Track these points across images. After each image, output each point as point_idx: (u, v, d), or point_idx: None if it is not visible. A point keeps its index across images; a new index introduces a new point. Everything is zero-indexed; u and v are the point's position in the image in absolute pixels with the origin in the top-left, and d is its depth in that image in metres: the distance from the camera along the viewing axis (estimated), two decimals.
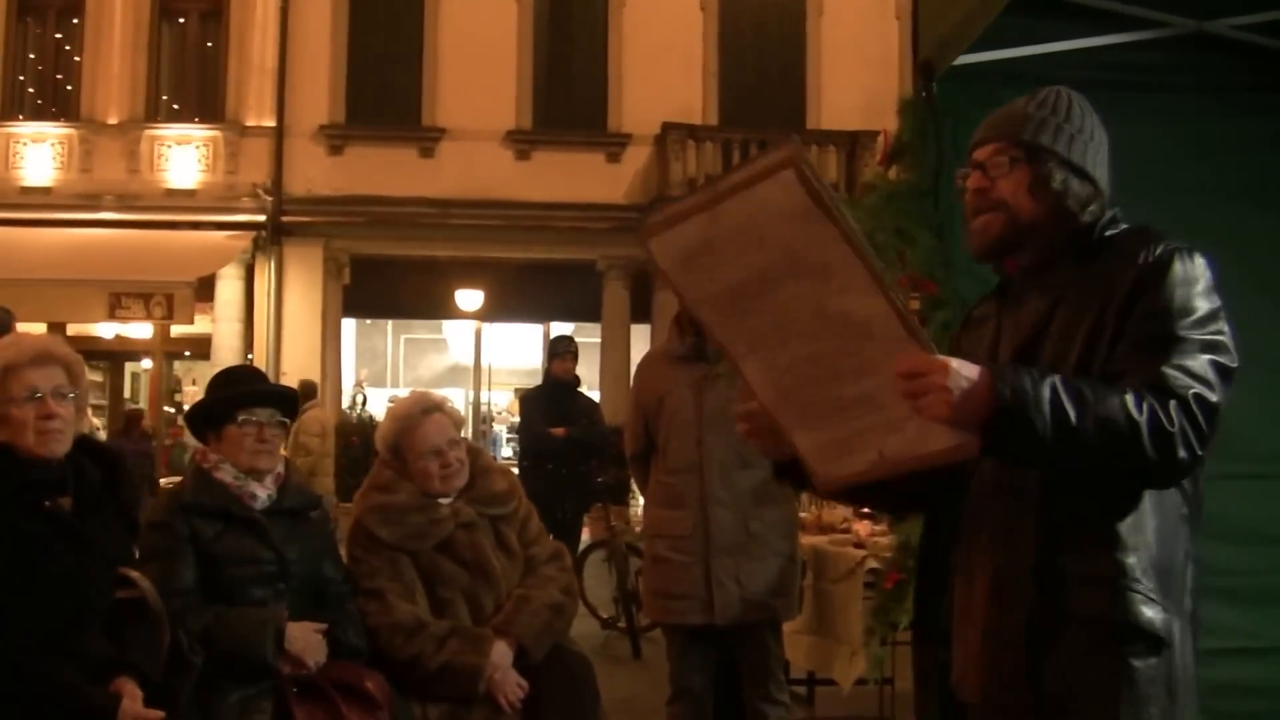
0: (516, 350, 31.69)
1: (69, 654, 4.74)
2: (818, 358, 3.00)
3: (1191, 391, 3.11)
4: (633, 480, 8.14)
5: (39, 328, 20.43)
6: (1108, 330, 3.31)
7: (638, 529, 21.78)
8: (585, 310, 28.97)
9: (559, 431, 14.06)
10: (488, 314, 28.80)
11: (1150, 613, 3.24)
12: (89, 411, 21.54)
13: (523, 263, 28.25)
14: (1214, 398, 3.15)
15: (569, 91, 29.15)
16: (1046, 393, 3.00)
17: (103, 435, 24.80)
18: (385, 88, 28.51)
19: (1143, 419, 3.04)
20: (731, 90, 29.07)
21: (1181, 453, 3.08)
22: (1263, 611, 6.53)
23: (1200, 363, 3.18)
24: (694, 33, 29.05)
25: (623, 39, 28.96)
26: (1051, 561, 3.30)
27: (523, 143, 28.57)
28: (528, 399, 15.12)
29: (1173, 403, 3.08)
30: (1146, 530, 3.27)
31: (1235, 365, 3.26)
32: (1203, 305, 3.27)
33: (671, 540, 7.29)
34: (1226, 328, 3.28)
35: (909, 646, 7.42)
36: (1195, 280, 3.30)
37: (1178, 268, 3.30)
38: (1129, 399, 3.05)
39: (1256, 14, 6.34)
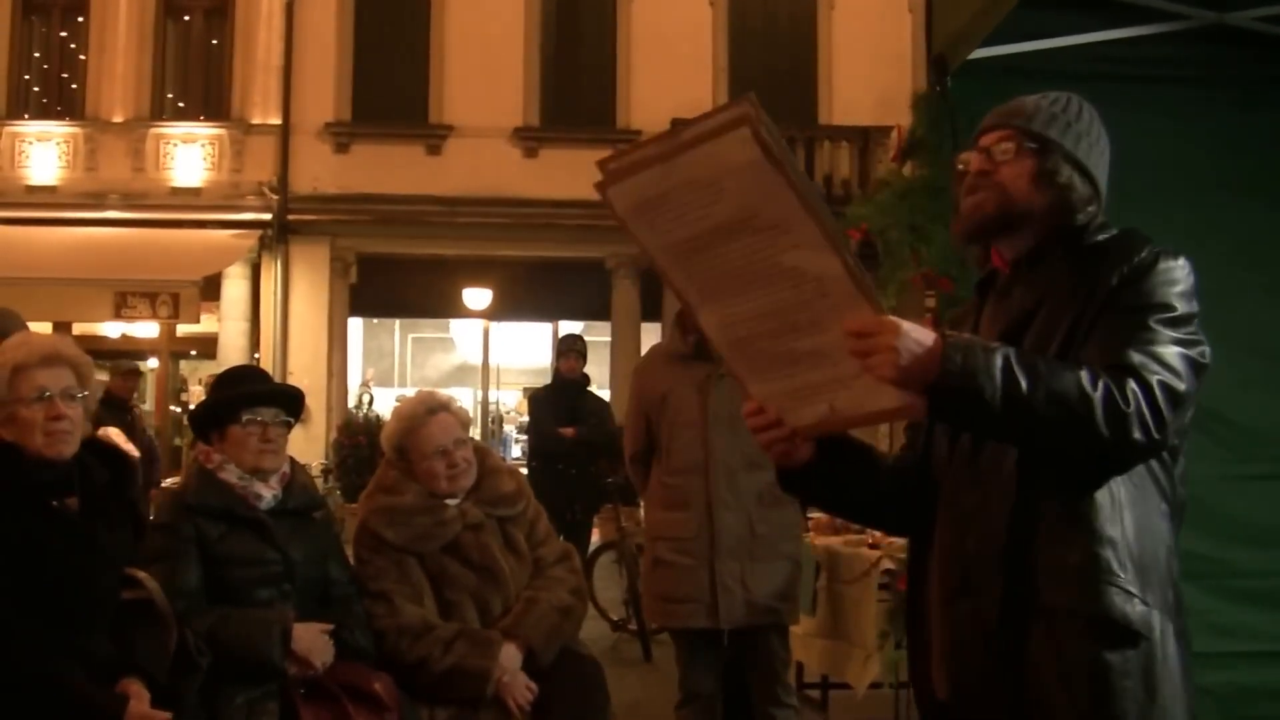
0: (525, 349, 31.73)
1: (75, 655, 4.73)
2: (772, 311, 3.02)
3: (1156, 378, 3.11)
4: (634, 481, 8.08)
5: (45, 327, 20.40)
6: (1084, 327, 3.30)
7: None
8: (595, 309, 28.93)
9: (569, 431, 14.03)
10: (496, 313, 28.76)
11: (1125, 605, 3.21)
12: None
13: (531, 261, 28.22)
14: (1181, 387, 3.15)
15: (577, 88, 29.13)
16: (998, 360, 3.01)
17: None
18: (391, 85, 28.48)
19: (1096, 394, 3.04)
20: (741, 85, 28.81)
21: (1137, 434, 3.07)
22: None
23: (1170, 352, 3.18)
24: (703, 27, 28.99)
25: (631, 34, 28.91)
26: (1022, 552, 3.28)
27: (530, 140, 28.52)
28: (537, 399, 15.07)
29: (1131, 382, 3.08)
30: (1122, 522, 3.25)
31: (1207, 363, 3.24)
32: (1180, 306, 3.27)
33: (675, 543, 7.24)
34: (1202, 336, 3.27)
35: None
36: (1176, 281, 3.30)
37: (1160, 267, 3.31)
38: (1084, 375, 3.06)
39: (1278, 5, 6.28)
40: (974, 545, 3.37)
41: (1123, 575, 3.21)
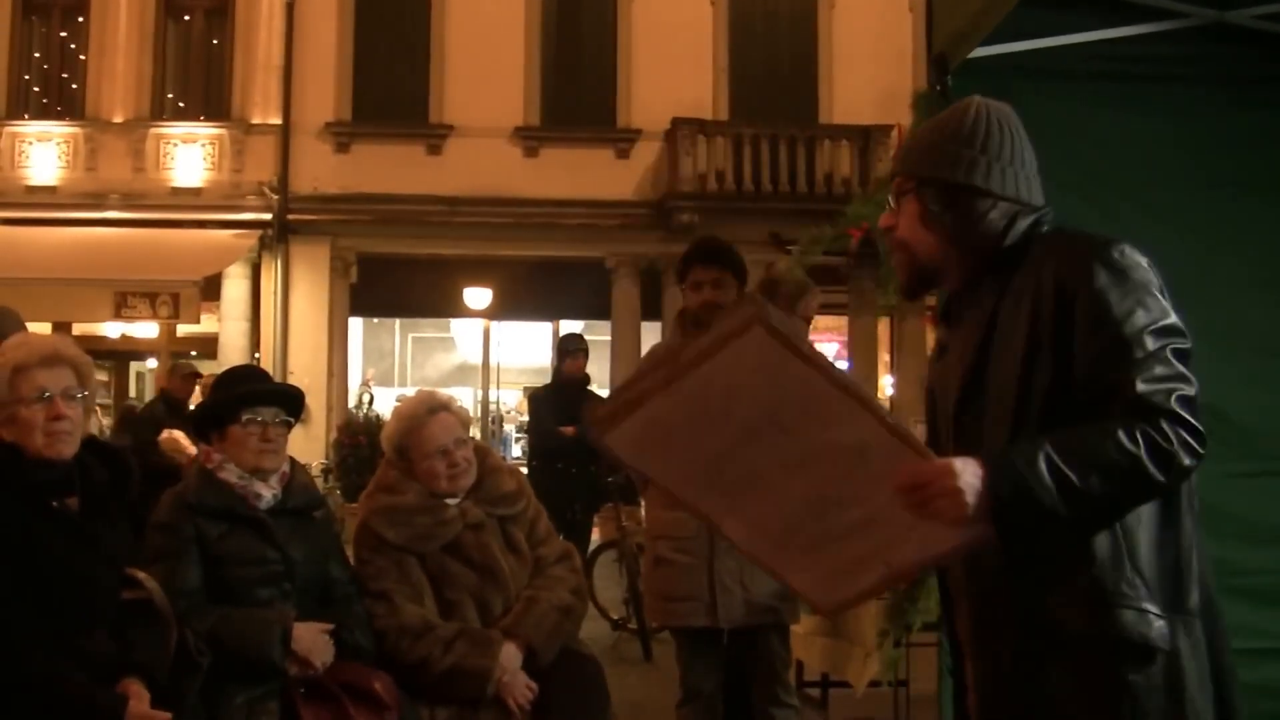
0: (526, 349, 31.71)
1: (75, 655, 4.75)
2: (806, 497, 3.02)
3: (1174, 396, 3.10)
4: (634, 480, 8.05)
5: (44, 327, 20.42)
6: (1043, 338, 3.28)
7: None
8: (595, 308, 28.91)
9: (569, 430, 14.01)
10: (496, 312, 28.80)
11: (1139, 623, 3.19)
12: (98, 412, 21.46)
13: (531, 260, 28.23)
14: (1191, 390, 3.14)
15: (577, 87, 29.14)
16: (1043, 465, 2.99)
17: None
18: (392, 85, 28.51)
19: (1141, 450, 3.03)
20: (742, 84, 29.00)
21: (1186, 460, 3.08)
22: None
23: (1165, 361, 3.16)
24: (704, 26, 29.01)
25: (632, 33, 28.92)
26: (1029, 588, 3.26)
27: (531, 139, 28.55)
28: (537, 398, 15.06)
29: (1162, 420, 3.06)
30: (1126, 540, 3.22)
31: (1189, 342, 3.22)
32: (1140, 301, 3.23)
33: (675, 542, 7.19)
34: (1165, 302, 3.25)
35: (923, 649, 7.38)
36: (1121, 273, 3.26)
37: (1098, 269, 3.26)
38: (1121, 436, 3.04)
39: (1278, 3, 6.28)
40: (983, 582, 3.38)
41: (1132, 593, 3.19)
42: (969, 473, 2.94)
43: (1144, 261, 3.29)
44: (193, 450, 8.19)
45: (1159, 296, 3.24)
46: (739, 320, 2.75)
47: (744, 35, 29.27)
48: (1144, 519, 3.23)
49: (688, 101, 27.92)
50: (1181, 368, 3.15)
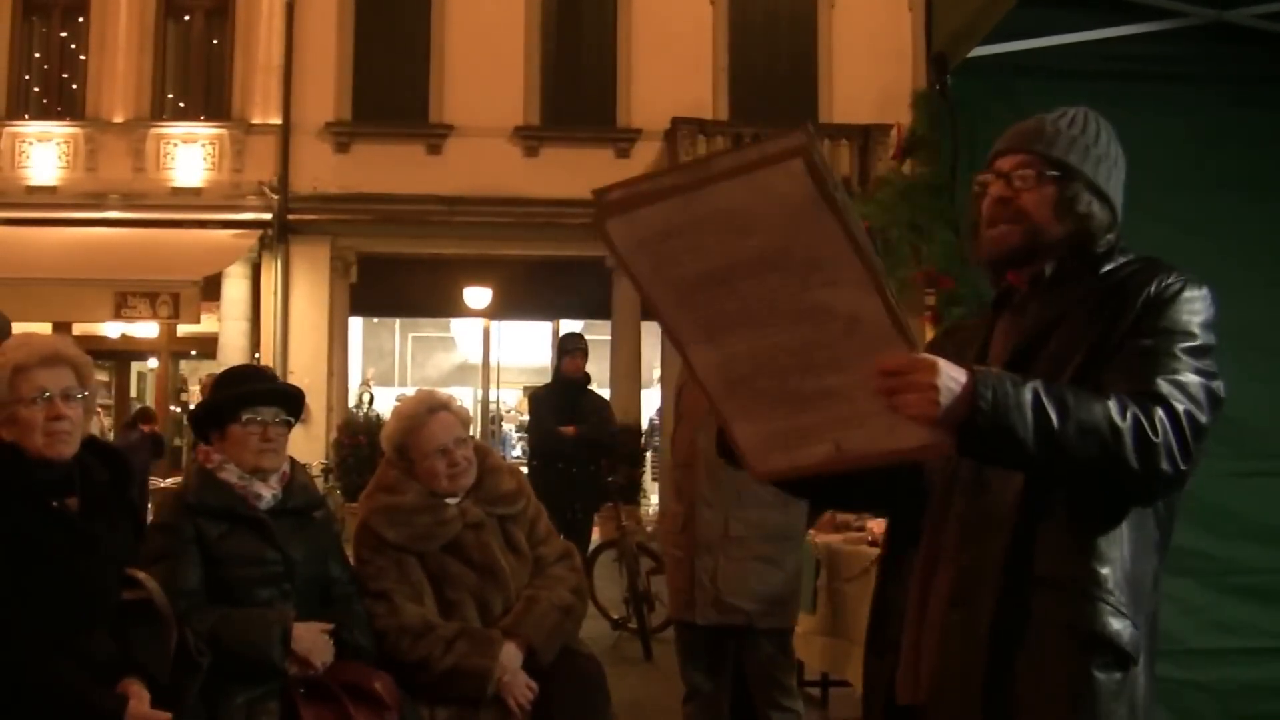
0: (526, 348, 31.73)
1: (75, 655, 4.74)
2: (784, 349, 2.94)
3: (1183, 408, 3.09)
4: (644, 478, 8.07)
5: (44, 328, 20.44)
6: (1107, 352, 3.28)
7: (649, 529, 21.80)
8: (595, 307, 28.91)
9: (569, 430, 14.03)
10: (496, 312, 28.80)
11: (1119, 625, 3.20)
12: (101, 413, 21.46)
13: (531, 260, 28.26)
14: (1204, 419, 3.13)
15: (577, 86, 29.15)
16: (1028, 396, 2.98)
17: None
18: (392, 84, 28.53)
19: (1126, 425, 3.02)
20: (742, 84, 29.03)
21: (1164, 465, 3.05)
22: None
23: (1194, 382, 3.16)
24: (704, 26, 29.03)
25: (631, 33, 28.94)
26: (1022, 564, 3.25)
27: (531, 139, 28.57)
28: (537, 397, 15.06)
29: (1159, 411, 3.06)
30: (1121, 544, 3.23)
31: (1223, 398, 3.21)
32: (1202, 336, 3.26)
33: (672, 535, 7.36)
34: (1218, 369, 3.25)
35: None
36: (1199, 312, 3.30)
37: (1185, 295, 3.30)
38: (1112, 405, 3.04)
39: (1278, 3, 6.29)
40: (973, 555, 3.34)
41: (1118, 595, 3.20)
42: (950, 375, 2.90)
43: (1215, 314, 3.32)
44: None
45: (1214, 354, 3.26)
46: (785, 146, 2.66)
47: (744, 35, 29.29)
48: (1134, 534, 3.25)
49: (688, 101, 27.94)
50: (1205, 400, 3.15)
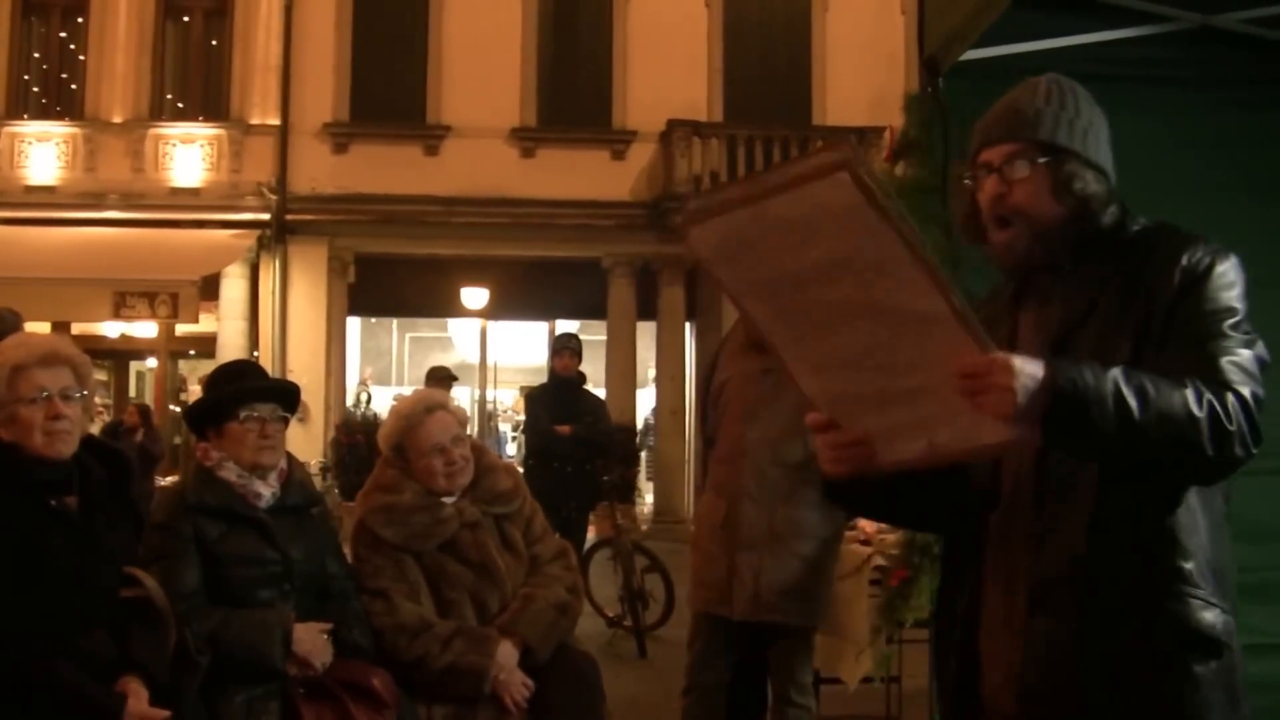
0: (522, 348, 31.72)
1: (74, 653, 4.76)
2: (867, 351, 2.96)
3: (1249, 390, 3.11)
4: (639, 477, 8.02)
5: (44, 327, 20.44)
6: (1155, 333, 3.27)
7: (644, 527, 21.80)
8: (591, 308, 28.96)
9: (565, 429, 14.06)
10: (493, 312, 28.83)
11: (1210, 617, 3.20)
12: (104, 412, 21.36)
13: (528, 260, 28.27)
14: (1262, 393, 3.14)
15: (574, 88, 29.14)
16: (1109, 386, 2.96)
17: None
18: (389, 85, 28.50)
19: (1203, 415, 3.01)
20: (737, 86, 29.03)
21: (1238, 450, 3.07)
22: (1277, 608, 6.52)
23: (1248, 357, 3.18)
24: (699, 28, 29.04)
25: (627, 35, 28.94)
26: (1103, 567, 3.23)
27: (527, 140, 28.56)
28: (533, 397, 15.10)
29: (1230, 398, 3.06)
30: (1200, 531, 3.24)
31: (1268, 359, 3.24)
32: (1241, 308, 3.27)
33: (709, 529, 7.29)
34: (1253, 329, 3.27)
35: (915, 645, 7.41)
36: (1234, 283, 3.30)
37: (1219, 270, 3.30)
38: (1189, 394, 3.02)
39: (1264, 7, 6.32)
40: (1050, 562, 3.31)
41: (1204, 587, 3.20)
42: (1027, 372, 2.90)
43: (1245, 279, 3.34)
44: None
45: (1248, 318, 3.28)
46: (827, 160, 2.65)
47: (738, 38, 29.29)
48: (1207, 518, 3.27)
49: (683, 103, 27.95)
50: (1259, 374, 3.17)
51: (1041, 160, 3.46)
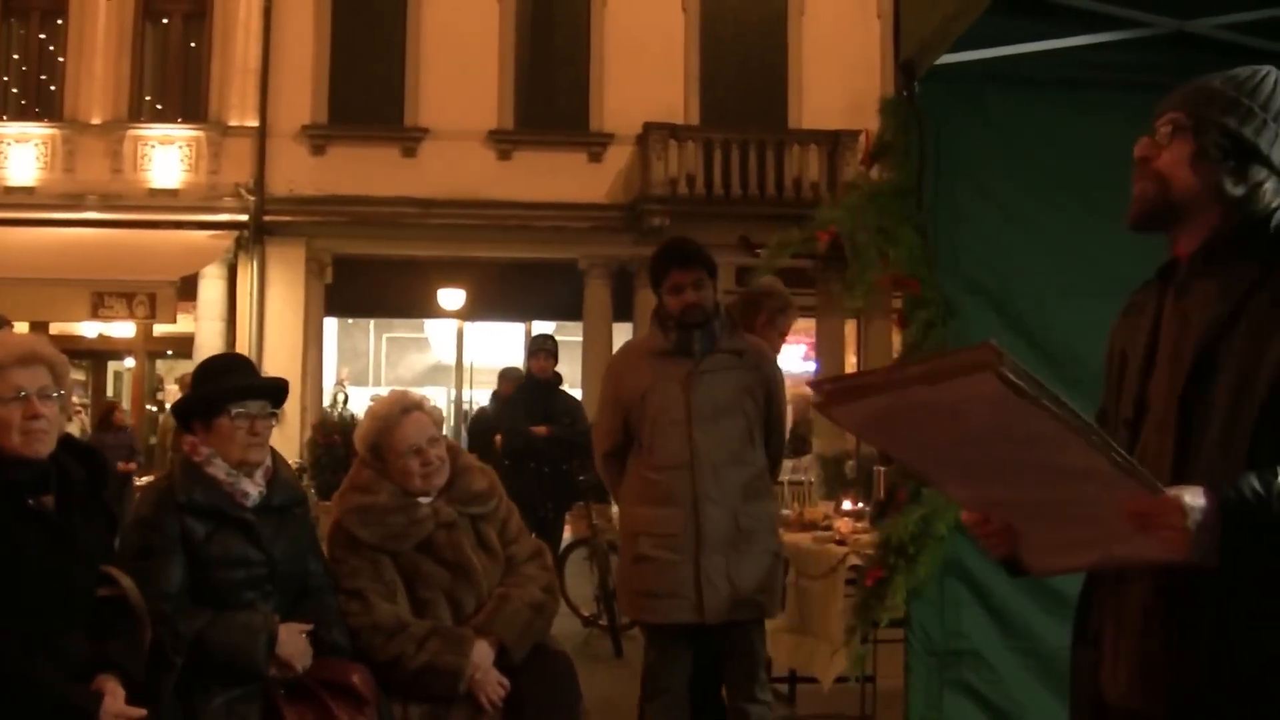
0: (498, 349, 31.70)
1: (50, 653, 4.76)
2: (1035, 503, 3.03)
3: None
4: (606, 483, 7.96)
5: (22, 327, 20.41)
6: None
7: (619, 528, 21.78)
8: (567, 309, 29.02)
9: (542, 430, 14.08)
10: (470, 313, 28.86)
11: None
12: (84, 412, 21.38)
13: (505, 262, 28.30)
14: None
15: (551, 91, 29.19)
16: (1276, 506, 2.91)
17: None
18: (367, 88, 28.52)
19: None
20: (713, 90, 29.12)
21: None
22: None
23: None
24: (675, 32, 29.10)
25: (604, 39, 28.99)
26: (1231, 611, 3.10)
27: (505, 142, 28.60)
28: (507, 396, 15.14)
29: None
30: None
31: None
32: None
33: (659, 539, 7.14)
34: None
35: (890, 644, 7.43)
36: None
37: None
38: None
39: (1238, 13, 6.34)
40: (1176, 604, 3.20)
41: None
42: (1195, 506, 2.86)
43: None
44: None
45: None
46: (973, 361, 2.66)
47: (715, 42, 29.37)
48: None
49: (659, 106, 28.00)
50: None
51: (1186, 128, 3.37)
